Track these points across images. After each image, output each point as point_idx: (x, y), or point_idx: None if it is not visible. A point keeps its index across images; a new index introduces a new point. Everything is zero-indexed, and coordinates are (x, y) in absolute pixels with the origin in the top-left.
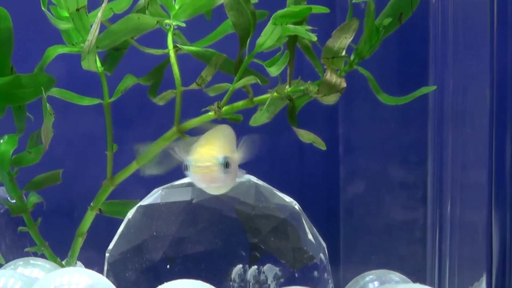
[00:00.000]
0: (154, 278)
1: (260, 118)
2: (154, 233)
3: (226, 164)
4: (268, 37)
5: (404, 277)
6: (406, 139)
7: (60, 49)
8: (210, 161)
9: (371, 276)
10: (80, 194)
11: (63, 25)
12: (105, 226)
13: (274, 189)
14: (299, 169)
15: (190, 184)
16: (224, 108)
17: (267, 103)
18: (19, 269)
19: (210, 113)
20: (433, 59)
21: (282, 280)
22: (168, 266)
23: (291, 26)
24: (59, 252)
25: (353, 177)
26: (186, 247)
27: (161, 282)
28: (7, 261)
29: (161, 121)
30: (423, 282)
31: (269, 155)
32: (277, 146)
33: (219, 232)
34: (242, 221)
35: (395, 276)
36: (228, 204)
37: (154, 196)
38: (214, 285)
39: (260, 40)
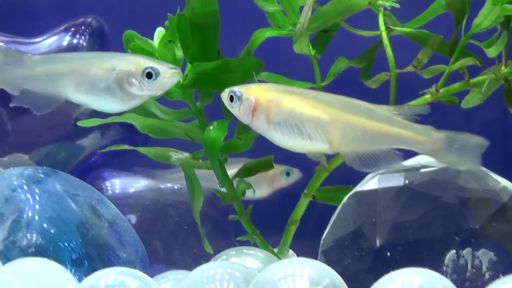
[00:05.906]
0: (374, 265)
1: (472, 100)
2: (373, 219)
3: (231, 98)
4: (486, 17)
5: None
6: None
7: (268, 32)
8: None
9: None
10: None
11: (270, 7)
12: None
13: (489, 171)
14: (503, 150)
15: (405, 169)
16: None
17: (485, 84)
18: (232, 259)
19: (426, 96)
20: None
21: (498, 266)
22: (388, 254)
23: (510, 6)
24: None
25: None
26: (407, 233)
27: (383, 270)
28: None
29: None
30: None
31: None
32: (479, 126)
33: (435, 218)
34: (459, 206)
35: None
36: (445, 188)
37: (369, 182)
38: None
39: (477, 21)
